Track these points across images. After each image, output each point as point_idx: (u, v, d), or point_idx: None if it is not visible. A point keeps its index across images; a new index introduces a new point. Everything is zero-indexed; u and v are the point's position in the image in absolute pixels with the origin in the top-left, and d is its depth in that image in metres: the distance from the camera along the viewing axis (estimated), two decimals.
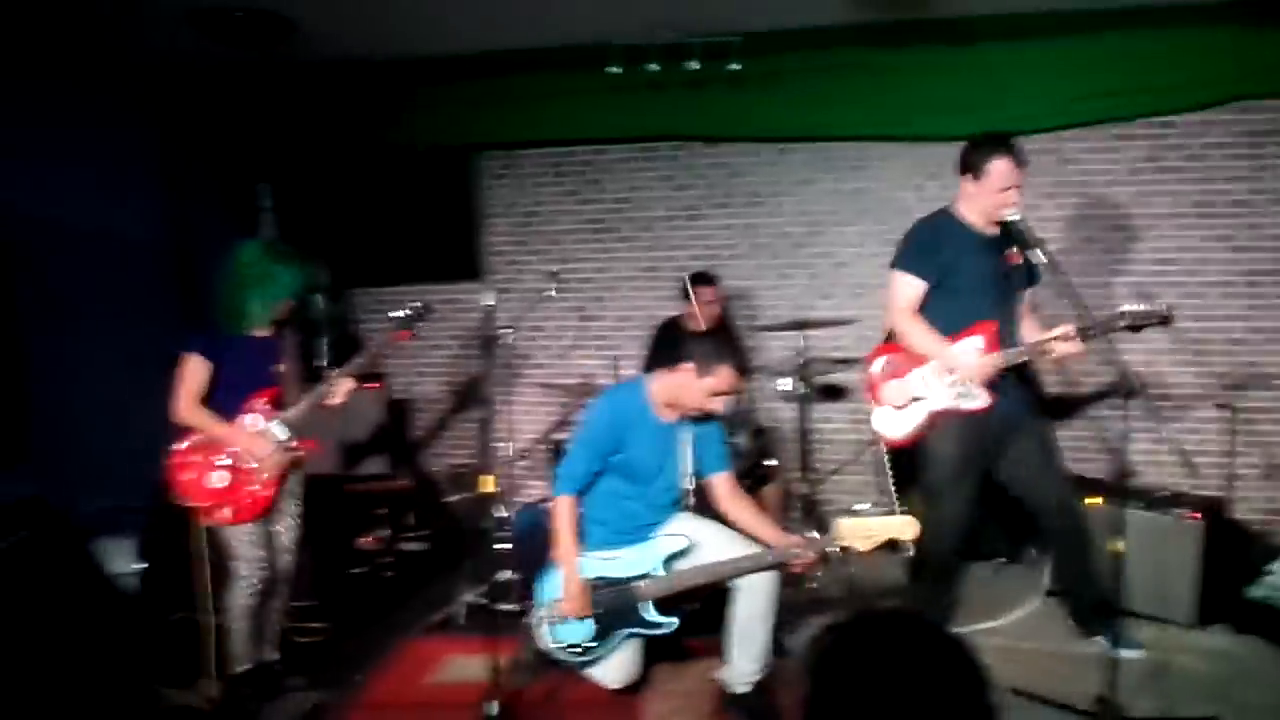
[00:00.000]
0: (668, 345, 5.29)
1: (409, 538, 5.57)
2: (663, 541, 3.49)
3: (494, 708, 3.29)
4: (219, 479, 3.54)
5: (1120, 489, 4.37)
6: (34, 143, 4.40)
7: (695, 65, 4.82)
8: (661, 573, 3.43)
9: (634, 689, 3.66)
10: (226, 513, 3.55)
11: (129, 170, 5.07)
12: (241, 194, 5.83)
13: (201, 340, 3.57)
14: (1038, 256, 3.46)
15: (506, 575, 4.45)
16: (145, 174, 5.16)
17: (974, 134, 3.74)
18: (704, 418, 3.54)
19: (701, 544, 3.49)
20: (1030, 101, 4.96)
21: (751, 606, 3.39)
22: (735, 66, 4.83)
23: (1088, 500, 4.25)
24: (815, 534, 3.52)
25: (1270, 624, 3.97)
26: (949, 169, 5.14)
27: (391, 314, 3.72)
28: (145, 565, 4.45)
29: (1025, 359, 3.70)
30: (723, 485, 3.61)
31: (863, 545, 3.25)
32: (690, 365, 3.42)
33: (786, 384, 4.73)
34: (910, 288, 3.75)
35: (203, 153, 5.56)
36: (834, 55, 5.08)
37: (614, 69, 4.91)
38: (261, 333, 3.68)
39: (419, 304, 3.72)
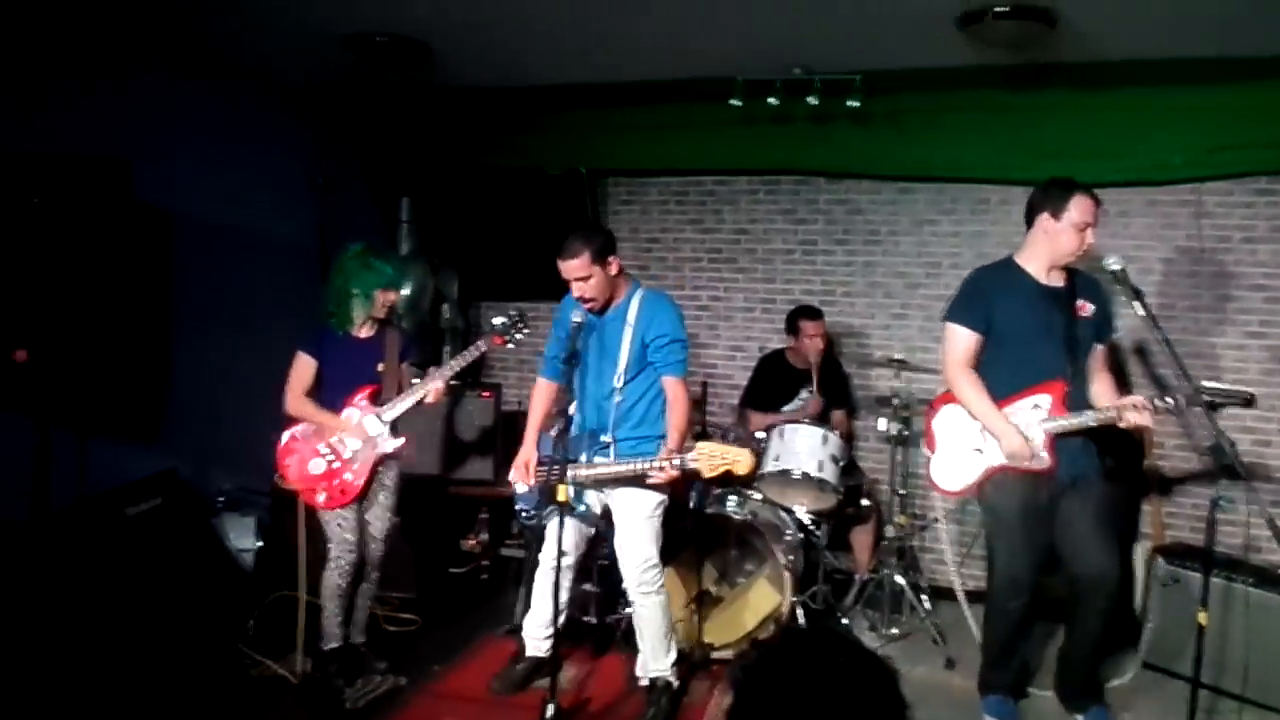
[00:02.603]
0: (770, 378, 5.33)
1: (509, 544, 5.78)
2: (589, 436, 3.79)
3: (550, 710, 3.40)
4: (316, 466, 3.82)
5: (1232, 563, 4.14)
6: (200, 152, 4.83)
7: (814, 101, 4.84)
8: (583, 461, 3.72)
9: None
10: (321, 498, 3.83)
11: (285, 179, 5.50)
12: (384, 206, 6.22)
13: (309, 338, 3.89)
14: (1138, 310, 3.34)
15: (586, 587, 4.59)
16: (299, 183, 5.58)
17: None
18: (586, 305, 3.70)
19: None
20: (1165, 151, 4.74)
21: (634, 610, 3.85)
22: (854, 103, 4.83)
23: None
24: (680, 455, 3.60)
25: None
26: None
27: (493, 320, 3.98)
28: (261, 544, 4.80)
29: (1089, 426, 3.49)
30: (667, 389, 3.75)
31: (706, 470, 3.48)
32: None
33: (883, 424, 4.67)
34: (960, 339, 3.66)
35: (351, 166, 5.98)
36: (958, 96, 5.00)
37: (735, 102, 4.99)
38: (365, 333, 3.96)
39: (514, 313, 3.95)
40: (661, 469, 3.51)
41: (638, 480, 3.64)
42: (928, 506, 5.59)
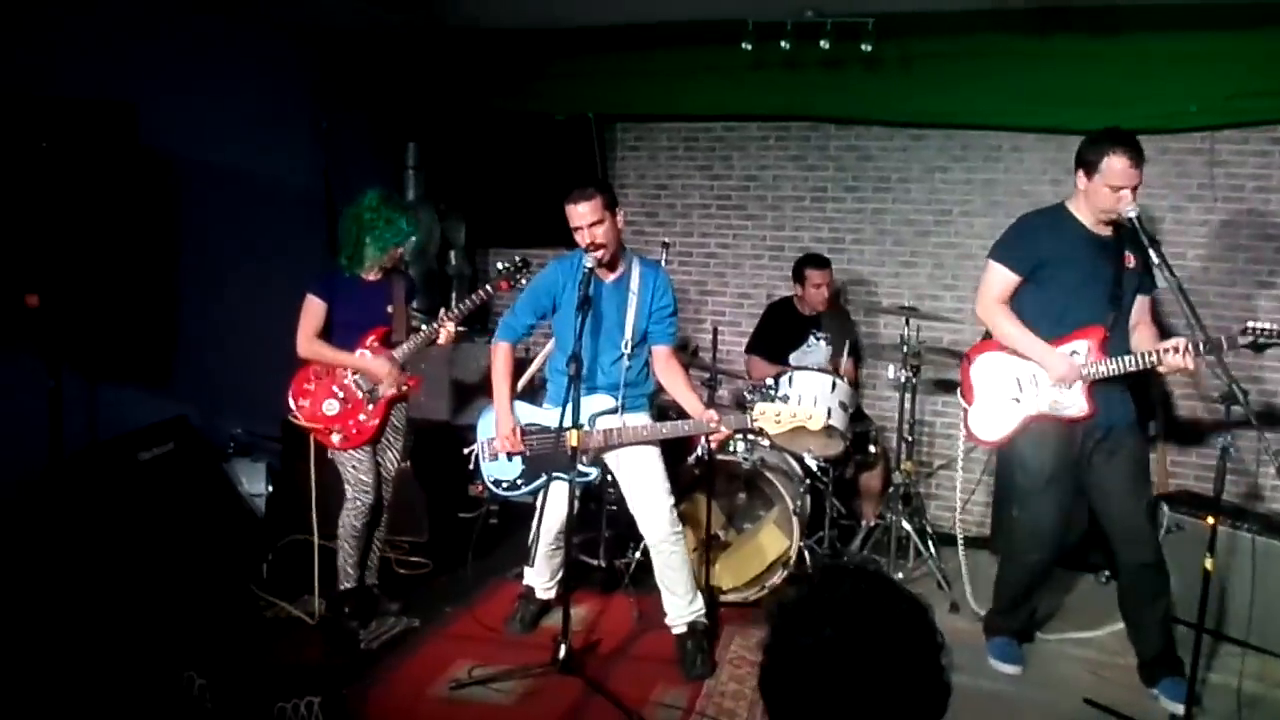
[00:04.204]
0: (778, 324, 5.32)
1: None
2: (594, 400, 3.72)
3: (562, 650, 3.46)
4: (330, 406, 3.84)
5: (1238, 511, 4.17)
6: (206, 96, 4.78)
7: (826, 45, 4.78)
8: (588, 427, 3.64)
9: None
10: (336, 438, 3.85)
11: (290, 124, 5.46)
12: (390, 152, 6.17)
13: (318, 281, 3.88)
14: (1153, 258, 3.32)
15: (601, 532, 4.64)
16: (304, 128, 5.53)
17: (1116, 128, 3.49)
18: (596, 252, 3.58)
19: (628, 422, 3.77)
20: (1180, 98, 4.68)
21: (663, 561, 3.78)
22: (867, 48, 4.77)
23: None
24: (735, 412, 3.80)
25: None
26: None
27: (497, 265, 4.00)
28: (271, 489, 4.83)
29: (1129, 370, 3.45)
30: (660, 355, 3.85)
31: (772, 428, 3.58)
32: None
33: (891, 372, 4.67)
34: (998, 278, 3.61)
35: (357, 111, 5.91)
36: (971, 41, 4.92)
37: (746, 45, 4.93)
38: (373, 277, 3.96)
39: (518, 258, 3.95)
40: (718, 429, 3.59)
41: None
42: (935, 454, 5.63)
